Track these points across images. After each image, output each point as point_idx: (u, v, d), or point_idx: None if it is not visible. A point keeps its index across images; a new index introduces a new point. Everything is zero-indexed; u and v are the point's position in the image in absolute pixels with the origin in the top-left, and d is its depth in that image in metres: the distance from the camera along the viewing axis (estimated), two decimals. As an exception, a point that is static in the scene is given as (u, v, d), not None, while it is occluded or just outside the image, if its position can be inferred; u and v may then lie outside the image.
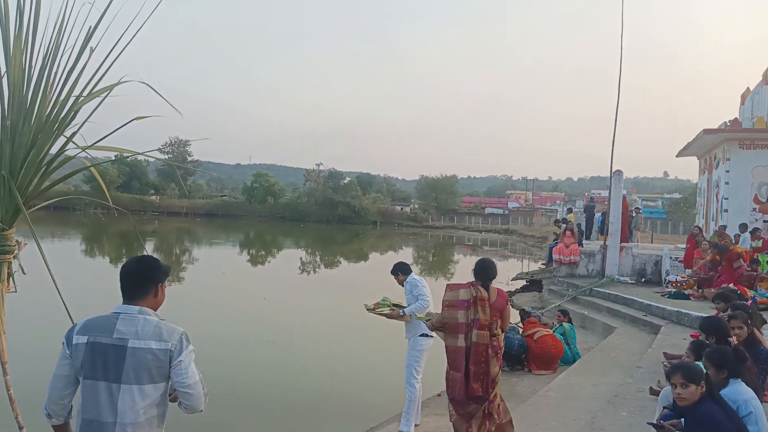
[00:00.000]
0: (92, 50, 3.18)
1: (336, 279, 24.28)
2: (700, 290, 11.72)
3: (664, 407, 4.19)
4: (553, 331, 9.11)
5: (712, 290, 10.25)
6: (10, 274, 3.17)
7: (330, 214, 69.47)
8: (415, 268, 7.11)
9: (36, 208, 3.44)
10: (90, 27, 3.15)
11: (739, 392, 3.82)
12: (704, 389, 3.51)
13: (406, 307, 6.06)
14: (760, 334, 5.74)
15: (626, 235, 16.62)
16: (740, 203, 16.88)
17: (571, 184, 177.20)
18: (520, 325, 9.36)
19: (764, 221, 16.46)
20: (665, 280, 13.48)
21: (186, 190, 72.34)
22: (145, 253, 2.86)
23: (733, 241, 13.58)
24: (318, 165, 79.16)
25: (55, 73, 3.15)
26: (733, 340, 5.11)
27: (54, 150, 3.24)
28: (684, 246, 15.71)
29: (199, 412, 2.55)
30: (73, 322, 2.67)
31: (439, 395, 7.33)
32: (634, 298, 11.82)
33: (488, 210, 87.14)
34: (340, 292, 18.96)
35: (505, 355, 7.02)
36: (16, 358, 3.47)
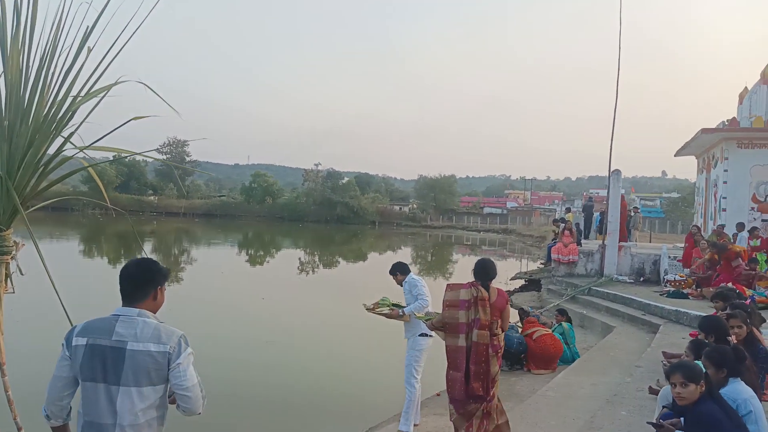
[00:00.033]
0: (90, 50, 3.17)
1: (335, 279, 24.28)
2: (699, 289, 11.73)
3: (664, 406, 4.19)
4: (552, 331, 9.11)
5: (711, 289, 10.26)
6: (7, 275, 3.15)
7: (328, 214, 69.44)
8: (413, 268, 7.11)
9: (34, 208, 3.42)
10: (87, 27, 3.14)
11: (738, 391, 3.82)
12: (704, 388, 3.51)
13: (405, 307, 6.06)
14: (759, 333, 5.75)
15: (625, 235, 16.61)
16: (738, 202, 16.91)
17: (570, 183, 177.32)
18: (519, 324, 9.37)
19: (762, 220, 16.49)
20: (664, 279, 13.49)
21: (184, 191, 72.26)
22: (143, 253, 2.85)
23: (732, 241, 13.59)
24: (316, 165, 79.17)
25: (53, 73, 3.13)
26: (733, 339, 5.11)
27: (51, 150, 3.23)
28: (682, 245, 15.71)
29: (197, 415, 2.55)
30: (71, 323, 2.66)
31: (438, 395, 7.33)
32: (633, 298, 11.82)
33: (487, 210, 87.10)
34: (339, 292, 18.95)
35: (505, 354, 7.02)
36: (14, 359, 3.46)
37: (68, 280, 12.25)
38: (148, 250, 28.06)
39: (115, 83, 3.22)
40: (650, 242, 24.93)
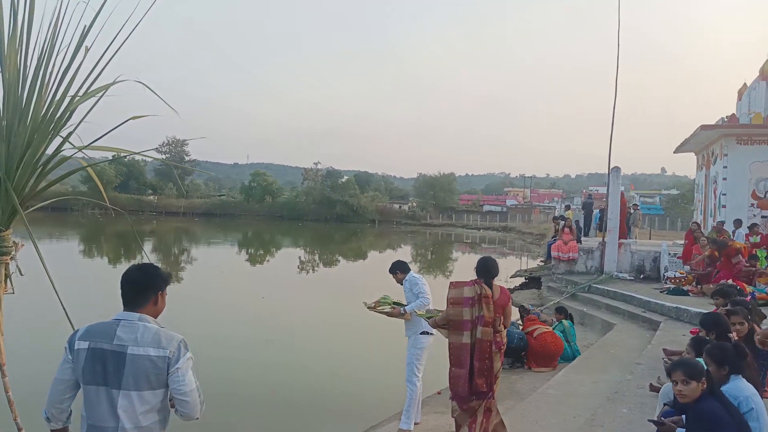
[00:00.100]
0: (87, 50, 3.15)
1: (335, 278, 24.28)
2: (699, 286, 11.73)
3: (665, 404, 4.19)
4: (553, 329, 9.11)
5: (711, 286, 10.27)
6: (7, 276, 3.15)
7: (328, 213, 69.47)
8: (413, 267, 7.10)
9: (33, 209, 3.41)
10: (85, 26, 3.13)
11: (740, 388, 3.81)
12: (705, 386, 3.51)
13: (406, 305, 6.05)
14: (760, 330, 5.73)
15: (624, 232, 16.61)
16: (738, 199, 16.92)
17: (569, 181, 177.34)
18: (520, 322, 9.36)
19: (762, 216, 16.49)
20: (664, 276, 13.49)
21: (184, 190, 72.26)
22: (143, 253, 2.85)
23: (731, 237, 13.59)
24: (316, 164, 79.22)
25: (51, 73, 3.12)
26: (734, 335, 5.11)
27: (50, 150, 3.22)
28: (682, 242, 15.72)
29: (195, 420, 2.56)
30: (71, 324, 2.66)
31: (439, 393, 7.33)
32: (633, 295, 11.82)
33: (486, 207, 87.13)
34: (339, 290, 18.95)
35: (506, 350, 7.03)
36: (14, 359, 3.45)
37: (68, 280, 12.25)
38: (147, 250, 28.06)
39: (114, 83, 3.21)
40: (650, 239, 24.93)
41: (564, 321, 9.48)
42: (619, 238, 15.20)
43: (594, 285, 13.63)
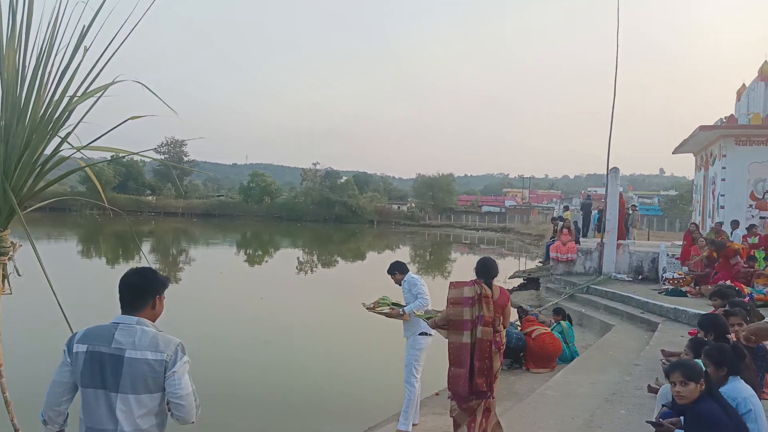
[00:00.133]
0: (86, 49, 3.15)
1: (333, 278, 24.27)
2: (697, 287, 11.73)
3: (663, 405, 4.19)
4: (551, 330, 9.11)
5: (710, 287, 10.27)
6: (5, 276, 3.14)
7: (327, 214, 69.46)
8: (412, 267, 7.10)
9: (31, 209, 3.41)
10: (84, 26, 3.13)
11: (738, 390, 3.81)
12: (704, 387, 3.51)
13: (405, 306, 6.05)
14: (746, 326, 5.73)
15: (623, 233, 16.62)
16: (736, 200, 16.93)
17: (568, 181, 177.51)
18: (518, 323, 9.36)
19: (761, 217, 16.51)
20: (662, 277, 13.50)
21: (182, 191, 72.21)
22: (141, 253, 2.85)
23: (729, 238, 13.61)
24: (315, 164, 79.19)
25: (49, 73, 3.12)
26: (732, 337, 5.11)
27: (48, 150, 3.22)
28: (681, 243, 15.73)
29: (191, 424, 2.57)
30: (69, 325, 2.66)
31: (437, 394, 7.32)
32: (632, 296, 11.83)
33: (485, 208, 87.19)
34: (338, 291, 18.94)
35: (505, 350, 7.03)
36: (11, 360, 3.45)
37: (66, 281, 12.24)
38: (146, 251, 28.04)
39: (112, 83, 3.21)
40: (648, 240, 24.96)
41: (562, 322, 9.48)
42: (618, 239, 15.21)
43: (592, 286, 13.64)
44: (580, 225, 20.79)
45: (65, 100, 3.14)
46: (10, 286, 3.19)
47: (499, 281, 4.97)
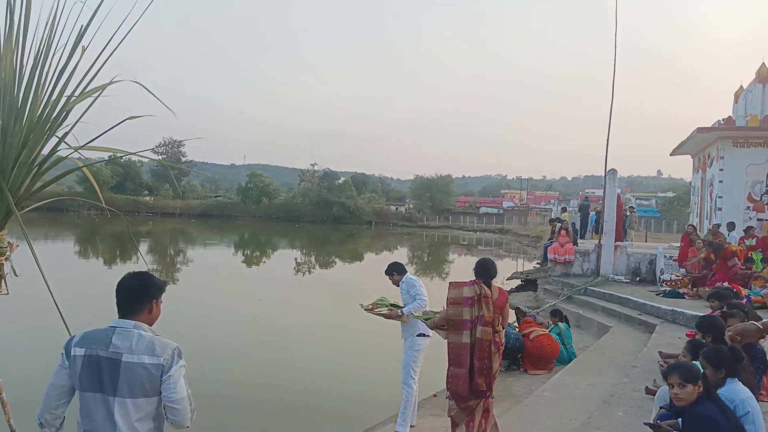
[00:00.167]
0: (84, 49, 3.14)
1: (331, 279, 24.26)
2: (695, 289, 11.75)
3: (661, 407, 4.18)
4: (549, 331, 9.11)
5: (707, 289, 10.28)
6: (1, 276, 3.12)
7: (325, 215, 69.44)
8: (410, 268, 7.09)
9: (28, 209, 3.40)
10: (82, 26, 3.11)
11: (736, 392, 3.81)
12: (701, 389, 3.51)
13: (403, 307, 6.04)
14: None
15: (620, 234, 16.65)
16: (734, 201, 16.94)
17: (566, 183, 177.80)
18: (516, 325, 9.37)
19: (758, 219, 16.53)
20: (660, 278, 13.51)
21: (180, 191, 72.17)
22: (139, 253, 2.84)
23: (727, 240, 13.62)
24: (313, 165, 79.22)
25: (47, 73, 3.11)
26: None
27: (46, 150, 3.21)
28: (678, 245, 15.75)
29: (186, 429, 2.57)
30: (66, 325, 2.65)
31: (435, 396, 7.32)
32: (629, 297, 11.83)
33: (483, 209, 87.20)
34: (336, 292, 18.93)
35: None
36: (8, 360, 3.44)
37: (63, 281, 12.20)
38: (143, 251, 28.00)
39: (110, 83, 3.20)
40: (646, 242, 24.98)
41: (560, 324, 9.48)
42: (616, 241, 15.22)
43: (590, 287, 13.64)
44: (578, 226, 20.82)
45: (63, 99, 3.13)
46: (7, 286, 3.18)
47: (497, 282, 4.98)
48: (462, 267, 27.16)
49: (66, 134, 3.22)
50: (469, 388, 4.69)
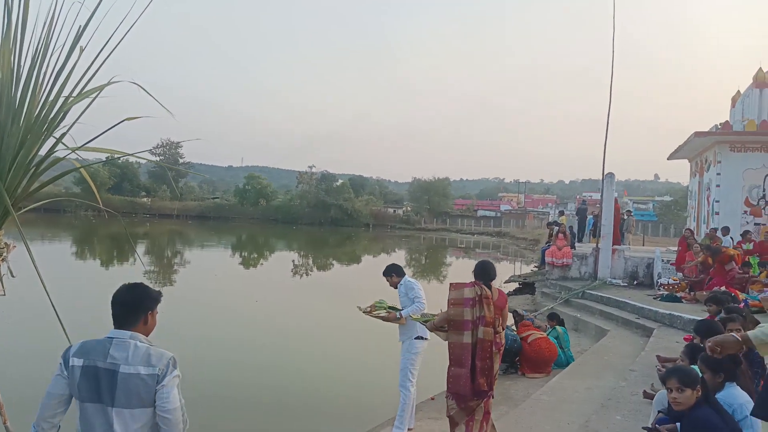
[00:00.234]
0: (82, 50, 3.13)
1: (329, 281, 24.23)
2: (692, 293, 11.75)
3: (659, 411, 4.18)
4: (547, 335, 9.10)
5: (704, 293, 10.28)
6: (-2, 278, 3.11)
7: (322, 217, 69.43)
8: (407, 271, 7.08)
9: (25, 210, 3.38)
10: (80, 26, 3.10)
11: (734, 396, 3.81)
12: (700, 393, 3.50)
13: (401, 310, 6.03)
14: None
15: (618, 238, 16.65)
16: (731, 206, 16.96)
17: (563, 186, 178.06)
18: (514, 328, 9.36)
19: (755, 224, 16.55)
20: (657, 282, 13.51)
21: (178, 192, 72.06)
22: (136, 254, 2.83)
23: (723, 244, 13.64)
24: (310, 167, 79.18)
25: (45, 73, 3.09)
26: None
27: (43, 151, 3.19)
28: (676, 249, 15.76)
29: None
30: (62, 326, 2.63)
31: (433, 399, 7.30)
32: (627, 301, 11.83)
33: (480, 212, 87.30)
34: (333, 294, 18.92)
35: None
36: (5, 361, 3.42)
37: (60, 282, 12.17)
38: (140, 252, 27.94)
39: (108, 83, 3.19)
40: (643, 246, 25.01)
41: (557, 327, 9.48)
42: (613, 244, 15.23)
43: (588, 291, 13.65)
44: (575, 230, 20.80)
45: (60, 100, 3.12)
46: (3, 287, 3.16)
47: (494, 285, 4.98)
48: (460, 270, 27.16)
49: (63, 135, 3.20)
50: (470, 388, 4.70)
